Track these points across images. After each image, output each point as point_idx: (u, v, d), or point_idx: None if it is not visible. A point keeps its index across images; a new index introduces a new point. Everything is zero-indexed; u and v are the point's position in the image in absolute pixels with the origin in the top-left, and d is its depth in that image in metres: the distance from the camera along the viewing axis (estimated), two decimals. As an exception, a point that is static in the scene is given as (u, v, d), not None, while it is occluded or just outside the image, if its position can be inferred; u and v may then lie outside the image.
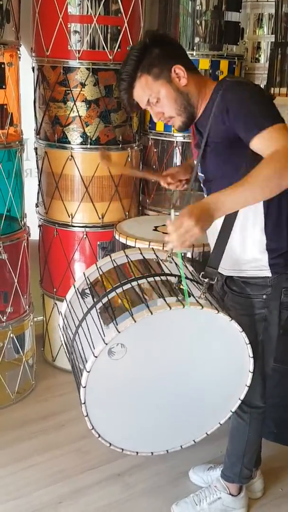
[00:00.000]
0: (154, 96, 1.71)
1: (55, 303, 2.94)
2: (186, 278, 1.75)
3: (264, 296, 1.83)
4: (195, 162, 1.87)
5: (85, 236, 2.81)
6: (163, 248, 2.16)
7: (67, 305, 1.95)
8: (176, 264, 1.85)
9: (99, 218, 2.81)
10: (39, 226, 2.99)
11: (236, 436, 2.03)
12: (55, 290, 2.92)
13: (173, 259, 1.88)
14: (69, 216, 2.80)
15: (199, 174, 1.86)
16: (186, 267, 1.95)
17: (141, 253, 1.94)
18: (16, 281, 2.65)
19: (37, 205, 3.00)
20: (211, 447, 2.44)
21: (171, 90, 1.71)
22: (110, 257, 1.96)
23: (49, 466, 2.33)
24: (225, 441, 2.10)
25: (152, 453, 1.89)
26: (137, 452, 1.85)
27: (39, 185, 2.94)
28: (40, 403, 2.76)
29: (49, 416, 2.66)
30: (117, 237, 2.60)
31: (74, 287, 1.97)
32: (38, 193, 2.97)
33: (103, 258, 2.00)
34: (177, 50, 1.76)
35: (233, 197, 1.51)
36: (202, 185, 1.89)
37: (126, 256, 1.93)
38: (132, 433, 1.82)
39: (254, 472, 2.16)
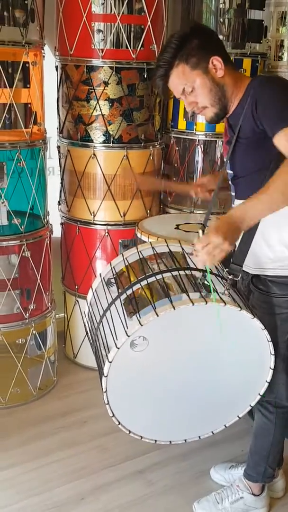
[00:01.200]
0: (190, 85, 1.73)
1: (77, 300, 2.96)
2: (211, 273, 1.76)
3: None
4: (225, 159, 1.88)
5: (107, 234, 2.83)
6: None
7: (93, 293, 1.98)
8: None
9: (121, 216, 2.82)
10: (61, 224, 3.01)
11: (260, 435, 2.02)
12: (76, 287, 2.94)
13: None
14: (91, 214, 2.81)
15: (228, 171, 1.86)
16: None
17: (167, 246, 1.95)
18: (38, 278, 2.67)
19: (59, 203, 3.02)
20: (232, 446, 2.44)
21: (207, 81, 1.72)
22: (137, 248, 1.98)
23: (71, 463, 2.35)
24: (246, 440, 2.10)
25: (170, 442, 1.91)
26: (155, 440, 1.87)
27: (61, 183, 2.96)
28: (62, 400, 2.78)
29: (71, 412, 2.68)
30: (138, 235, 2.61)
31: (100, 276, 2.00)
32: (60, 191, 2.99)
33: (130, 249, 2.03)
34: (216, 43, 1.78)
35: (257, 207, 1.55)
36: (230, 182, 1.90)
37: (153, 248, 1.95)
38: (151, 422, 1.84)
39: (276, 472, 2.15)
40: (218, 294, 1.65)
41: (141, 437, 1.83)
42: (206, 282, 1.71)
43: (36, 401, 2.75)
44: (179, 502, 2.15)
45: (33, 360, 2.78)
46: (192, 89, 1.74)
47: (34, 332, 2.69)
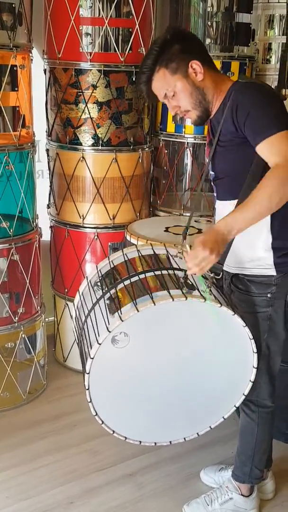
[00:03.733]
0: (171, 90, 1.76)
1: (66, 304, 2.96)
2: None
3: (269, 295, 1.83)
4: (206, 160, 1.89)
5: (96, 237, 2.83)
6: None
7: (80, 297, 2.00)
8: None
9: (110, 219, 2.82)
10: (51, 227, 3.01)
11: (245, 435, 2.03)
12: (66, 290, 2.93)
13: (183, 255, 1.90)
14: (80, 217, 2.81)
15: (210, 172, 1.88)
16: None
17: (152, 249, 1.98)
18: (27, 282, 2.67)
19: (48, 206, 3.02)
20: (222, 448, 2.45)
21: (187, 85, 1.75)
22: (122, 251, 2.00)
23: (61, 466, 2.34)
24: (235, 442, 2.10)
25: (155, 443, 1.91)
26: (140, 441, 1.87)
27: (50, 186, 2.96)
28: (52, 403, 2.78)
29: (61, 416, 2.67)
30: (128, 238, 2.61)
31: (87, 279, 2.03)
32: (49, 194, 2.99)
33: (116, 252, 2.06)
34: (196, 47, 1.80)
35: (242, 218, 1.61)
36: (212, 183, 1.91)
37: (138, 250, 1.98)
38: (136, 423, 1.84)
39: (265, 473, 2.16)
40: (198, 291, 1.68)
41: (125, 438, 1.83)
42: (188, 281, 1.73)
43: (25, 405, 2.74)
44: (169, 504, 2.15)
45: (22, 364, 2.77)
46: (173, 93, 1.77)
47: (23, 336, 2.68)
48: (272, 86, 3.00)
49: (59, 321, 3.06)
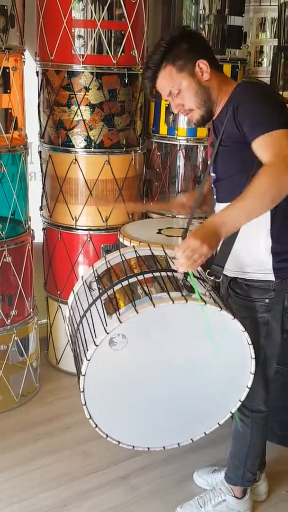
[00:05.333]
0: (176, 87, 1.76)
1: (59, 306, 2.95)
2: (193, 275, 1.77)
3: (267, 300, 1.83)
4: (209, 161, 1.90)
5: (89, 239, 2.82)
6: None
7: (74, 296, 1.97)
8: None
9: (103, 221, 2.82)
10: (43, 229, 3.00)
11: (238, 439, 2.03)
12: (59, 293, 2.93)
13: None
14: (73, 219, 2.81)
15: (211, 174, 1.88)
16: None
17: (150, 249, 1.96)
18: (20, 284, 2.66)
19: (41, 208, 3.01)
20: (215, 450, 2.45)
21: (193, 83, 1.75)
22: (119, 251, 1.98)
23: (54, 469, 2.33)
24: (229, 444, 2.10)
25: (148, 448, 1.88)
26: (133, 446, 1.84)
27: (43, 188, 2.95)
28: (45, 406, 2.77)
29: (54, 419, 2.66)
30: (121, 240, 2.61)
31: (82, 279, 1.99)
32: (42, 196, 2.99)
33: (113, 252, 2.03)
34: (204, 47, 1.81)
35: (235, 214, 1.58)
36: (212, 185, 1.91)
37: (135, 251, 1.95)
38: (130, 427, 1.82)
39: (258, 475, 2.16)
40: (198, 294, 1.65)
41: (119, 442, 1.81)
42: (187, 283, 1.72)
43: (18, 408, 2.73)
44: (163, 507, 2.15)
45: (15, 366, 2.76)
46: (178, 91, 1.77)
47: (16, 338, 2.67)
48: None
49: (51, 323, 3.06)
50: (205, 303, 1.63)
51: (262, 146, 1.59)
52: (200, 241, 1.54)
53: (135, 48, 2.66)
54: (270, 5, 3.21)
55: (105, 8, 2.53)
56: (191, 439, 1.90)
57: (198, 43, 1.79)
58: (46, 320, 3.14)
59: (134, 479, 2.29)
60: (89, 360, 1.60)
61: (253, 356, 1.73)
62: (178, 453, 2.42)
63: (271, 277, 1.81)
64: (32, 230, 2.77)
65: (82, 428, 2.54)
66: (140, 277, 1.79)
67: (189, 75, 1.74)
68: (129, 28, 2.61)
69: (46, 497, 2.18)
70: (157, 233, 2.67)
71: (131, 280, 1.79)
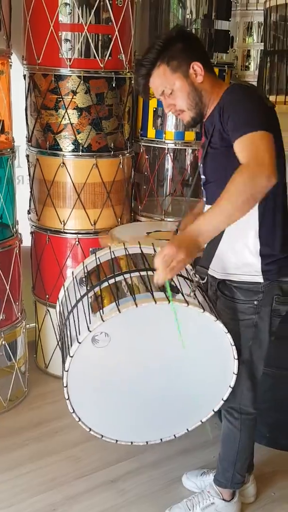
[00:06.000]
0: (169, 88, 1.77)
1: (48, 310, 2.95)
2: (180, 275, 1.79)
3: (255, 302, 1.83)
4: (199, 163, 1.91)
5: (77, 242, 2.82)
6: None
7: (64, 292, 1.99)
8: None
9: (92, 225, 2.82)
10: (31, 233, 2.99)
11: (227, 442, 2.03)
12: (47, 296, 2.92)
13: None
14: (61, 223, 2.81)
15: (201, 176, 1.89)
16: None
17: (140, 247, 1.97)
18: (8, 288, 2.65)
19: (29, 212, 3.01)
20: (204, 453, 2.45)
21: (186, 85, 1.76)
22: (110, 249, 1.99)
23: (42, 474, 2.32)
24: (218, 446, 2.11)
25: (131, 442, 1.89)
26: (116, 440, 1.86)
27: (31, 192, 2.95)
28: (33, 411, 2.75)
29: (42, 423, 2.65)
30: (109, 243, 2.61)
31: (73, 274, 2.01)
32: (30, 200, 2.98)
33: (103, 249, 2.04)
34: (199, 49, 1.82)
35: (212, 220, 1.58)
36: (202, 187, 1.92)
37: (125, 249, 1.96)
38: (113, 422, 1.83)
39: (247, 477, 2.17)
40: (182, 295, 1.66)
41: (102, 436, 1.82)
42: (173, 283, 1.73)
43: (6, 413, 2.72)
44: (151, 510, 2.14)
45: (3, 371, 2.75)
46: (171, 91, 1.77)
47: (3, 342, 2.66)
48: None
49: (40, 327, 3.05)
50: (188, 304, 1.64)
51: (240, 148, 1.60)
52: (176, 248, 1.55)
53: (122, 52, 2.67)
54: (256, 9, 3.23)
55: (92, 12, 2.53)
56: (174, 435, 1.91)
57: (194, 45, 1.80)
58: (34, 324, 3.13)
59: (123, 483, 2.29)
60: (72, 356, 1.63)
61: (236, 357, 1.74)
62: (166, 456, 2.42)
63: (259, 279, 1.82)
64: (20, 234, 2.76)
65: (70, 433, 2.53)
66: (127, 276, 1.80)
67: (183, 76, 1.75)
68: (116, 32, 2.61)
69: (35, 502, 2.17)
70: (146, 236, 2.67)
71: (118, 279, 1.80)
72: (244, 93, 1.73)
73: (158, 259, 1.58)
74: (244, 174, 1.53)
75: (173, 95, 1.78)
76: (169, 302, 1.63)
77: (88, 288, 1.85)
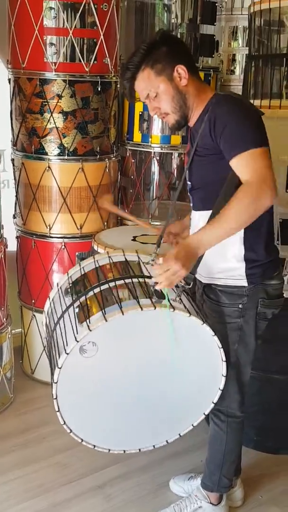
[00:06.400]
0: (154, 91, 1.77)
1: (34, 315, 2.93)
2: None
3: (240, 306, 1.84)
4: (185, 169, 1.91)
5: (63, 247, 2.81)
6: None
7: (50, 303, 1.98)
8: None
9: (78, 229, 2.81)
10: (17, 237, 2.98)
11: (214, 445, 2.03)
12: (33, 301, 2.90)
13: (155, 263, 1.90)
14: (47, 227, 2.79)
15: (187, 182, 1.89)
16: None
17: (123, 255, 1.98)
18: (-7, 293, 2.63)
19: (14, 216, 2.99)
20: (191, 457, 2.45)
21: (170, 88, 1.77)
22: (94, 258, 1.99)
23: (29, 480, 2.30)
24: (205, 450, 2.10)
25: (124, 451, 1.89)
26: (109, 450, 1.86)
27: (16, 196, 2.93)
28: (19, 417, 2.73)
29: (29, 429, 2.63)
30: (95, 247, 2.60)
31: (57, 285, 2.01)
32: (15, 204, 2.96)
33: (87, 258, 2.04)
34: (184, 52, 1.82)
35: (212, 235, 1.64)
36: (188, 193, 1.92)
37: (109, 257, 1.96)
38: (105, 431, 1.83)
39: (234, 481, 2.17)
40: (168, 300, 1.67)
41: (94, 446, 1.82)
42: (158, 289, 1.73)
43: (-8, 419, 2.70)
44: (139, 515, 2.14)
45: (-11, 376, 2.73)
46: (156, 94, 1.78)
47: (-11, 348, 2.64)
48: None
49: (26, 332, 3.03)
50: (174, 309, 1.64)
51: (240, 166, 1.63)
52: (181, 265, 1.60)
53: (107, 56, 2.67)
54: (241, 14, 3.25)
55: (77, 16, 2.53)
56: (166, 441, 1.91)
57: (178, 48, 1.81)
58: (20, 329, 3.11)
59: (110, 488, 2.28)
60: (60, 367, 1.62)
61: (224, 359, 1.75)
62: (154, 460, 2.41)
63: (243, 282, 1.83)
64: (5, 238, 2.74)
65: (57, 439, 2.52)
66: (112, 284, 1.79)
67: (167, 79, 1.76)
68: (102, 36, 2.61)
69: (22, 509, 2.15)
70: (132, 240, 2.66)
71: (103, 287, 1.80)
72: (235, 106, 1.73)
73: (161, 271, 1.63)
74: (248, 193, 1.59)
75: (158, 98, 1.79)
76: (168, 307, 1.66)
77: (74, 299, 1.84)
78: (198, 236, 1.65)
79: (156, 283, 1.66)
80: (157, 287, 1.66)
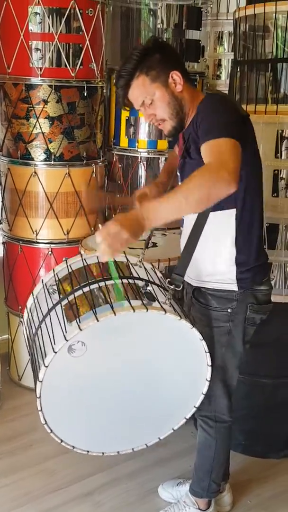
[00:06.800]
0: (149, 97, 1.76)
1: (21, 321, 2.91)
2: (154, 283, 1.79)
3: (229, 310, 1.84)
4: (177, 172, 1.91)
5: (50, 252, 2.80)
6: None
7: (34, 299, 1.95)
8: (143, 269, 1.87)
9: (65, 234, 2.80)
10: (3, 243, 2.96)
11: (203, 451, 2.03)
12: (20, 307, 2.88)
13: (143, 264, 1.90)
14: (33, 233, 2.78)
15: (179, 183, 1.88)
16: (155, 273, 1.96)
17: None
18: (-20, 299, 2.61)
19: (0, 222, 2.97)
20: (180, 462, 2.44)
21: (166, 94, 1.76)
22: (82, 256, 1.97)
23: (16, 488, 2.28)
24: (194, 455, 2.10)
25: (103, 453, 1.87)
26: (88, 451, 1.83)
27: (2, 201, 2.91)
28: (6, 424, 2.71)
29: (16, 436, 2.61)
30: (82, 252, 2.59)
31: (42, 282, 1.97)
32: (1, 209, 2.95)
33: (74, 256, 2.01)
34: (176, 59, 1.82)
35: (162, 206, 1.51)
36: None
37: (97, 257, 1.94)
38: (85, 432, 1.81)
39: (222, 486, 2.16)
40: (159, 303, 1.66)
41: (73, 447, 1.79)
42: (148, 291, 1.72)
43: (-21, 427, 2.67)
44: (127, 522, 2.13)
45: (-25, 384, 2.71)
46: (151, 101, 1.77)
47: (-24, 355, 2.61)
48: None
49: (13, 339, 3.01)
50: (165, 311, 1.64)
51: (205, 151, 1.59)
52: (120, 226, 1.47)
53: (93, 61, 2.67)
54: (226, 19, 3.27)
55: (63, 21, 2.52)
56: (146, 444, 1.90)
57: (171, 54, 1.81)
58: (7, 335, 3.09)
59: (98, 495, 2.26)
60: (47, 366, 1.59)
61: (209, 363, 1.75)
62: (142, 467, 2.40)
63: (234, 287, 1.83)
64: (-9, 244, 2.73)
65: (45, 445, 2.50)
66: (102, 284, 1.78)
67: (162, 86, 1.75)
68: (87, 41, 2.61)
69: (8, 518, 2.14)
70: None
71: (93, 286, 1.78)
72: (218, 102, 1.74)
73: (100, 237, 1.49)
74: (205, 174, 1.49)
75: (153, 105, 1.78)
76: (113, 279, 1.65)
77: (61, 297, 1.82)
78: (146, 206, 1.53)
79: (147, 283, 1.63)
80: (104, 257, 1.53)
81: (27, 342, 1.97)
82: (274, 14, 2.31)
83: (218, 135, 1.58)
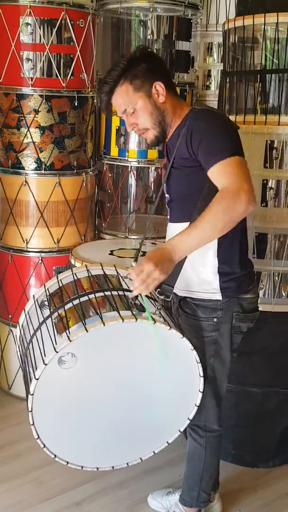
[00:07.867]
0: (132, 106, 1.79)
1: (11, 330, 2.90)
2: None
3: (215, 319, 1.85)
4: (163, 182, 1.92)
5: (40, 261, 2.80)
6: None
7: (25, 315, 1.96)
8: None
9: (55, 243, 2.81)
10: (-6, 252, 2.96)
11: (193, 460, 2.03)
12: (10, 316, 2.88)
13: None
14: (24, 242, 2.78)
15: (165, 195, 1.90)
16: None
17: (102, 269, 1.97)
18: None
19: (-9, 231, 2.97)
20: (169, 472, 2.44)
21: (148, 104, 1.78)
22: (72, 271, 1.98)
23: (5, 498, 2.27)
24: (184, 464, 2.10)
25: (97, 468, 1.87)
26: (82, 467, 1.83)
27: (-7, 210, 2.91)
28: (-4, 433, 2.70)
29: (4, 446, 2.60)
30: (72, 261, 2.60)
31: (33, 297, 1.98)
32: (-8, 218, 2.94)
33: (65, 271, 2.02)
34: (162, 70, 1.84)
35: (189, 240, 1.62)
36: (167, 205, 1.94)
37: (88, 270, 1.95)
38: (79, 447, 1.80)
39: (212, 495, 2.16)
40: (148, 313, 1.66)
41: (67, 463, 1.79)
42: (137, 302, 1.73)
43: None
44: (117, 532, 2.12)
45: None
46: (133, 110, 1.79)
47: None
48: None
49: (3, 347, 3.00)
50: (155, 321, 1.64)
51: (218, 174, 1.63)
52: (154, 266, 1.57)
53: (84, 71, 2.69)
54: (216, 30, 3.30)
55: (54, 32, 2.54)
56: (140, 459, 1.89)
57: (157, 65, 1.83)
58: (-3, 344, 3.08)
59: (88, 505, 2.26)
60: (37, 379, 1.59)
61: (202, 374, 1.75)
62: (131, 476, 2.40)
63: (218, 296, 1.84)
64: (-18, 253, 2.73)
65: (34, 455, 2.49)
66: (91, 296, 1.79)
67: (145, 96, 1.78)
68: (78, 52, 2.63)
69: (-3, 529, 2.12)
70: (109, 254, 2.67)
71: (82, 299, 1.79)
72: (210, 119, 1.75)
73: (134, 275, 1.60)
74: (225, 199, 1.58)
75: (136, 114, 1.80)
76: (147, 312, 1.65)
77: (51, 310, 1.83)
78: (173, 241, 1.63)
79: (136, 296, 1.65)
80: (134, 293, 1.63)
81: (19, 358, 1.97)
82: (263, 26, 2.34)
83: (222, 156, 1.63)
